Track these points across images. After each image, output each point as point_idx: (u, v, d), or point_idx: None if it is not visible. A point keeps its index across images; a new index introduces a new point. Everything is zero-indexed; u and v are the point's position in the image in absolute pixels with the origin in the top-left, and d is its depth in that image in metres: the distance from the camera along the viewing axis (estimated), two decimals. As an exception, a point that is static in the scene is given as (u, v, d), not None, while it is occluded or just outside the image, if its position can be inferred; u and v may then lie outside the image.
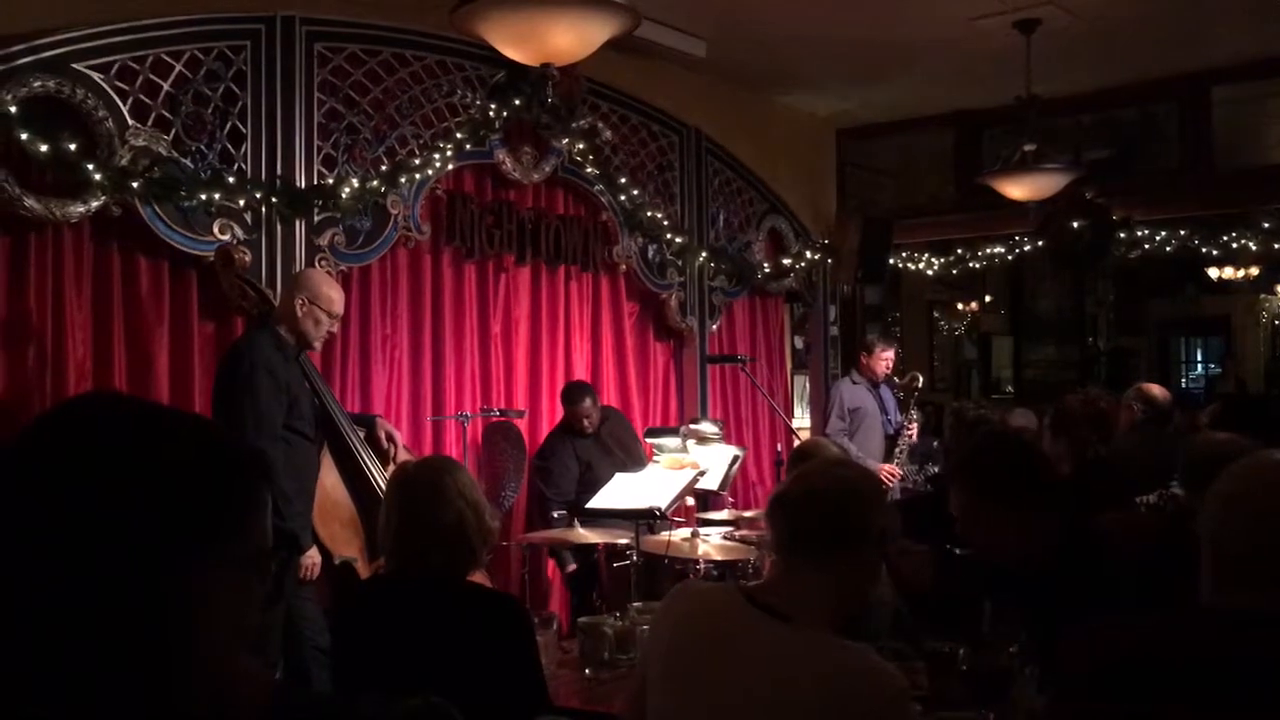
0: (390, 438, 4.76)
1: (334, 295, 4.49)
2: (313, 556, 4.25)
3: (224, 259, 4.55)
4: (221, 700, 1.07)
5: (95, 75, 4.42)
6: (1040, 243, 8.27)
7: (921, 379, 7.55)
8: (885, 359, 7.32)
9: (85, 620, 0.97)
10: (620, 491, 5.25)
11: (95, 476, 1.00)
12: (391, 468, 4.57)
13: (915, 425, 7.16)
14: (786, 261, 7.69)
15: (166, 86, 4.63)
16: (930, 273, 9.18)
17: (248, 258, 4.67)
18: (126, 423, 1.06)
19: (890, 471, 6.80)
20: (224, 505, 1.05)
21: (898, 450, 7.07)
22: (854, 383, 7.38)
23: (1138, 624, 1.66)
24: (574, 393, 5.98)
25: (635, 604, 3.77)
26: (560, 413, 6.14)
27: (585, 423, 5.93)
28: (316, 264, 4.96)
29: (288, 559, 4.14)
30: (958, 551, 2.88)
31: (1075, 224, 7.74)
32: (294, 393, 4.31)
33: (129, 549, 0.98)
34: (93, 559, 0.97)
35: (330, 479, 4.57)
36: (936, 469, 6.95)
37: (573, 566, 5.70)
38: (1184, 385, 15.44)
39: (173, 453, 1.04)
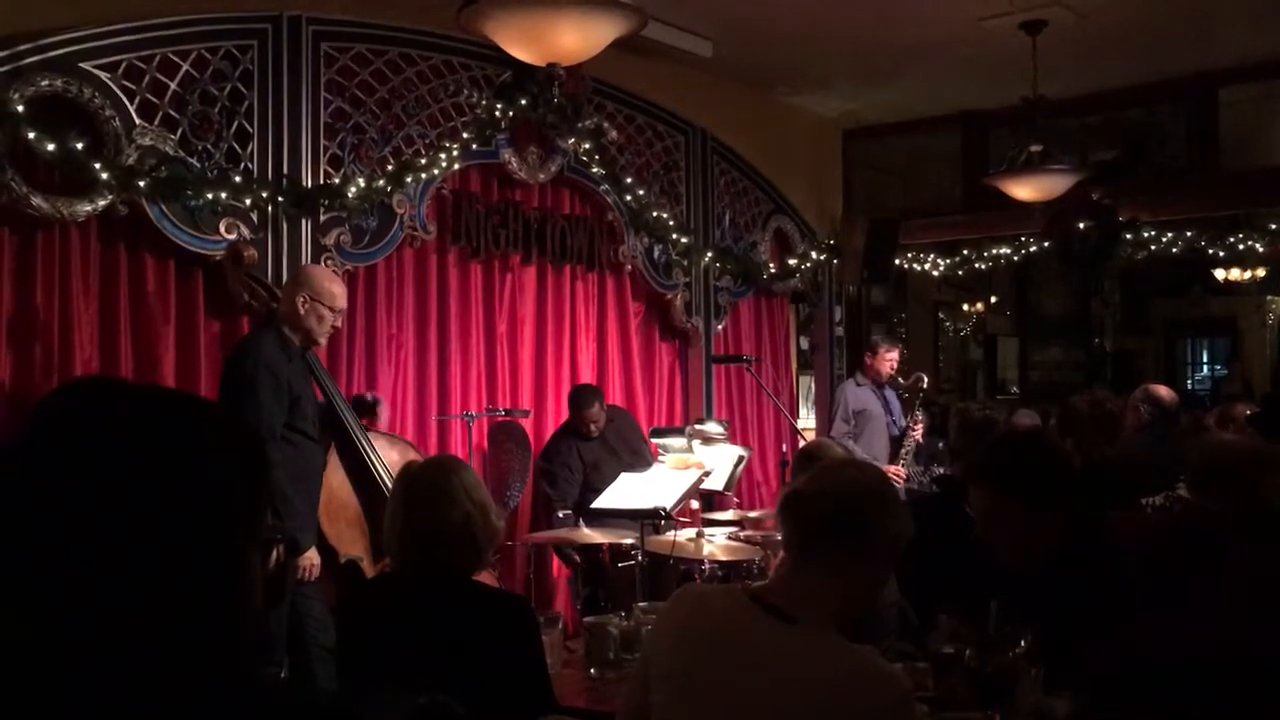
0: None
1: (335, 290, 4.48)
2: (311, 558, 4.24)
3: (234, 256, 4.56)
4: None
5: (102, 74, 4.43)
6: (1046, 244, 8.27)
7: (926, 380, 7.55)
8: (890, 359, 7.32)
9: (185, 588, 1.06)
10: (625, 491, 5.25)
11: (184, 466, 1.08)
12: (391, 454, 4.62)
13: (920, 426, 7.14)
14: (792, 262, 7.69)
15: (173, 86, 4.64)
16: (936, 273, 9.17)
17: (257, 255, 4.68)
18: (176, 413, 1.13)
19: (895, 473, 6.78)
20: (259, 486, 1.16)
21: (903, 452, 7.05)
22: (858, 384, 7.38)
23: (1173, 623, 1.62)
24: (583, 397, 5.96)
25: (640, 604, 3.77)
26: (565, 413, 6.14)
27: (592, 427, 5.93)
28: (323, 263, 4.96)
29: (287, 559, 4.14)
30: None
31: (1081, 225, 7.73)
32: (296, 392, 4.30)
33: (209, 527, 1.08)
34: (187, 534, 1.07)
35: (337, 478, 4.58)
36: (942, 470, 6.94)
37: (577, 558, 5.67)
38: (1190, 387, 15.41)
39: (225, 442, 1.13)
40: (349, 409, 4.73)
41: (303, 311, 4.37)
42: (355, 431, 4.65)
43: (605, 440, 6.01)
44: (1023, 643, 2.59)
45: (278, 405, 4.18)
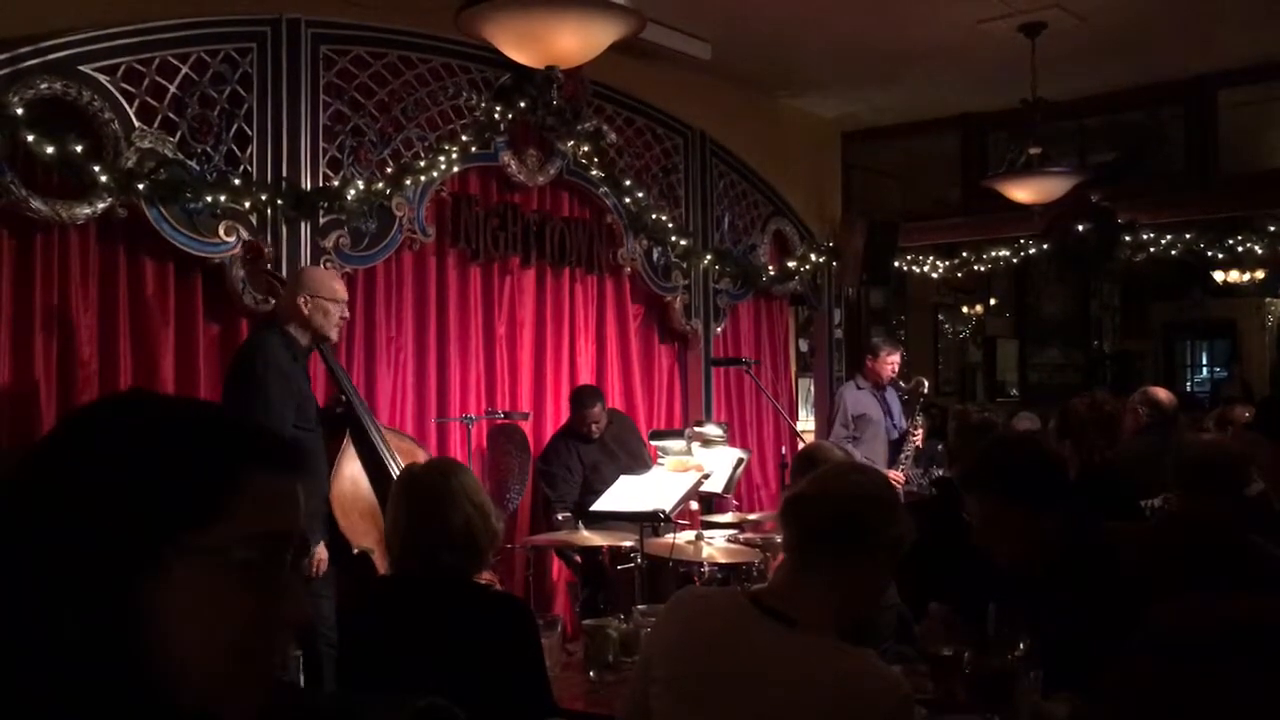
0: None
1: (335, 284, 4.54)
2: (319, 554, 4.26)
3: (253, 253, 4.62)
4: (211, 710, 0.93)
5: (101, 77, 4.43)
6: (1045, 246, 8.27)
7: (927, 384, 7.53)
8: (891, 362, 7.30)
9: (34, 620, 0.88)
10: (625, 494, 5.25)
11: (38, 473, 0.93)
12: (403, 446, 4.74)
13: (920, 431, 7.13)
14: (791, 264, 7.69)
15: (172, 88, 4.64)
16: (935, 276, 9.17)
17: (273, 252, 4.79)
18: (90, 413, 0.97)
19: (895, 478, 6.76)
20: (181, 491, 0.91)
21: (903, 455, 7.03)
22: (858, 388, 7.35)
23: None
24: (585, 397, 5.97)
25: (639, 606, 3.77)
26: (564, 415, 6.14)
27: (593, 427, 5.93)
28: (322, 265, 4.97)
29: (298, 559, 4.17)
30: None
31: (1080, 227, 7.73)
32: (302, 390, 4.35)
33: (62, 548, 0.88)
34: (31, 558, 0.89)
35: (351, 469, 4.66)
36: (941, 472, 6.93)
37: (578, 559, 5.66)
38: (1189, 389, 15.40)
39: (118, 438, 0.93)
40: (363, 401, 4.80)
41: (307, 311, 4.41)
42: (370, 424, 4.72)
43: (604, 443, 6.02)
44: (1021, 646, 2.59)
45: (286, 404, 4.22)
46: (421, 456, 4.87)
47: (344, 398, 4.74)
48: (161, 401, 1.02)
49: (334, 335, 4.56)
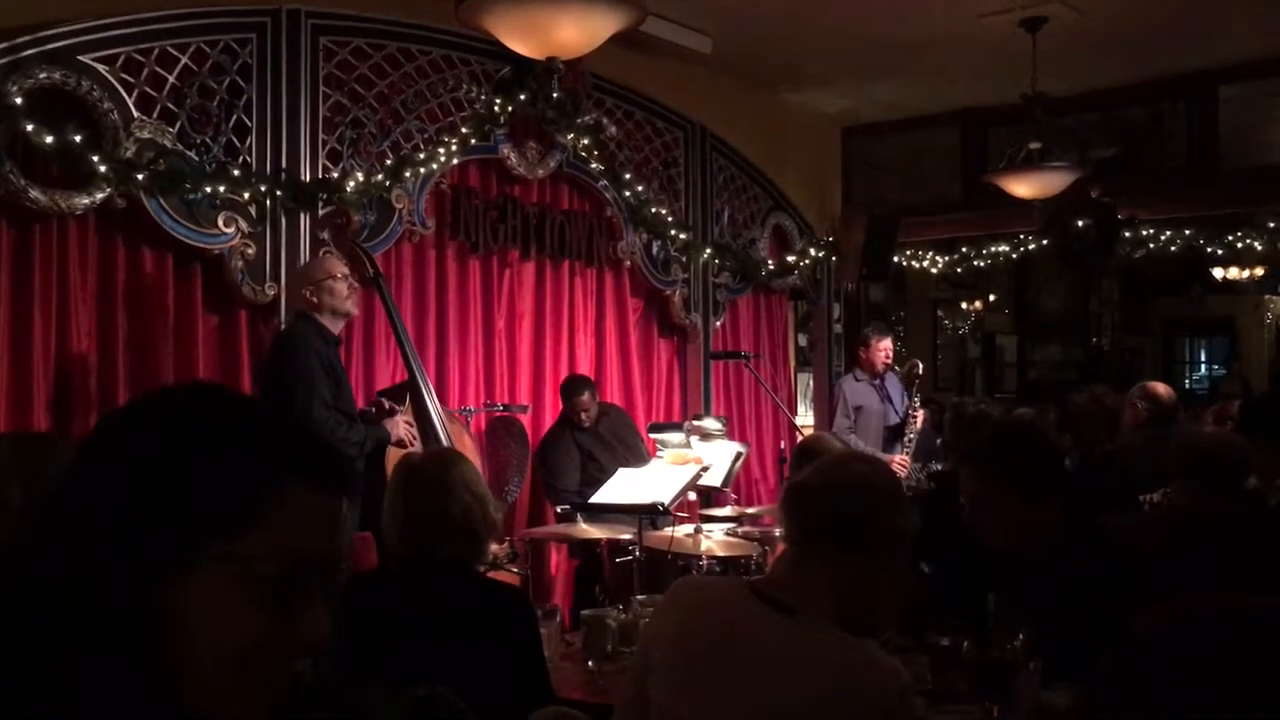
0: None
1: (327, 264, 4.68)
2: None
3: (344, 222, 4.84)
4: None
5: (101, 67, 4.43)
6: (1045, 241, 8.27)
7: (921, 365, 7.48)
8: (883, 349, 7.24)
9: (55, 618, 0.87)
10: (623, 487, 5.25)
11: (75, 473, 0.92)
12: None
13: (921, 411, 7.07)
14: (791, 259, 7.69)
15: (172, 79, 4.64)
16: (935, 271, 9.16)
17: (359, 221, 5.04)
18: (141, 405, 0.96)
19: (900, 462, 6.68)
20: (213, 496, 0.89)
21: (906, 438, 6.94)
22: (856, 380, 7.32)
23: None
24: (573, 385, 6.00)
25: (638, 596, 3.77)
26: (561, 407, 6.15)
27: (583, 415, 5.94)
28: (320, 255, 4.97)
29: None
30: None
31: (1080, 223, 7.72)
32: (339, 375, 4.54)
33: (91, 540, 0.87)
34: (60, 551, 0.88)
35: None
36: (940, 466, 6.92)
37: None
38: (1188, 386, 15.40)
39: (160, 435, 0.92)
40: (422, 369, 5.02)
41: (318, 300, 4.55)
42: (427, 394, 4.91)
43: (599, 434, 6.02)
44: (1021, 636, 2.59)
45: (326, 387, 4.42)
46: (468, 439, 4.99)
47: (409, 370, 4.97)
48: (215, 400, 0.98)
49: (353, 308, 4.72)
